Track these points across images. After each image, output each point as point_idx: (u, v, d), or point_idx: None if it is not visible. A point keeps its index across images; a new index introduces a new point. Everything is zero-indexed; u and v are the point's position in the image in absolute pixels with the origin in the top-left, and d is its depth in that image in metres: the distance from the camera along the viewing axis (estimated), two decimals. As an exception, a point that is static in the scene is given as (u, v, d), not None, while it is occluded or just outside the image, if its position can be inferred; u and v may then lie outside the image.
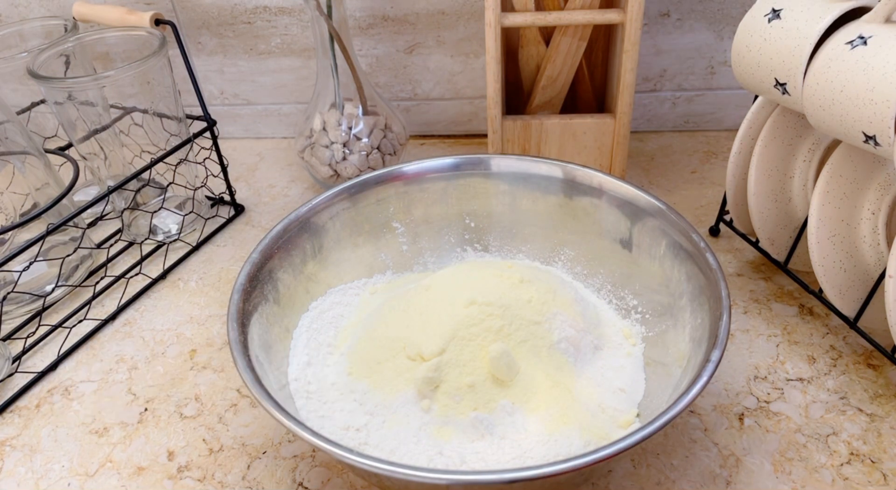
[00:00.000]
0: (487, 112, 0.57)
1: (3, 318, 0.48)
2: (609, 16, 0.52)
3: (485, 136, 0.60)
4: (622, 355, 0.43)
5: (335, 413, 0.39)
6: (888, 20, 0.37)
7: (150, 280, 0.56)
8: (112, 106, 0.57)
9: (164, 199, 0.58)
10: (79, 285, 0.55)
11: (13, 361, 0.49)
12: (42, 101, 0.62)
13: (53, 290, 0.54)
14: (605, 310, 0.47)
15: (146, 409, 0.45)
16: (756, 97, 0.48)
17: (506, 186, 0.51)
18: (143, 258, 0.58)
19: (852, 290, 0.44)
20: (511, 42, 0.60)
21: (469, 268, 0.47)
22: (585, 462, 0.30)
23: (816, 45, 0.39)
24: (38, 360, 0.50)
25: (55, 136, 0.64)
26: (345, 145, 0.60)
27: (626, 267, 0.47)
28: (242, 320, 0.39)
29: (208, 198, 0.65)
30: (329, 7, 0.55)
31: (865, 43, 0.36)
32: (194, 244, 0.60)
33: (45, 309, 0.52)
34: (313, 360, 0.43)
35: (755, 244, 0.52)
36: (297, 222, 0.46)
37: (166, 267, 0.57)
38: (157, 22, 0.55)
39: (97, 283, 0.55)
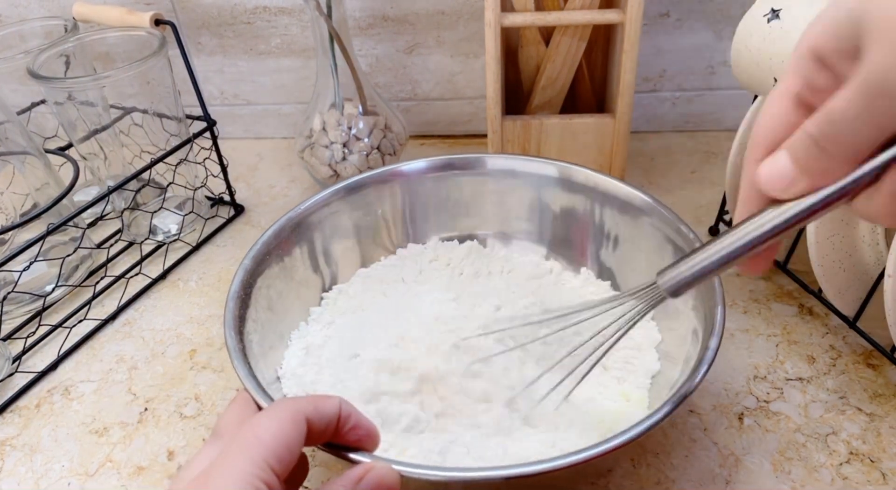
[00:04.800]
0: (487, 112, 0.57)
1: (3, 318, 0.48)
2: (609, 16, 0.52)
3: (485, 136, 0.60)
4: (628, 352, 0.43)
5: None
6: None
7: (150, 280, 0.56)
8: (112, 106, 0.57)
9: (164, 199, 0.58)
10: (79, 285, 0.55)
11: (13, 361, 0.49)
12: (42, 102, 0.62)
13: (53, 290, 0.54)
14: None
15: (146, 409, 0.45)
16: (756, 97, 0.48)
17: (505, 186, 0.51)
18: (143, 258, 0.58)
19: (851, 290, 0.44)
20: (511, 42, 0.60)
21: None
22: (582, 458, 0.30)
23: (816, 45, 0.39)
24: (38, 359, 0.50)
25: (55, 136, 0.64)
26: (345, 145, 0.60)
27: (624, 264, 0.48)
28: (240, 328, 0.39)
29: (208, 198, 0.65)
30: (329, 7, 0.55)
31: (864, 43, 0.36)
32: (194, 244, 0.60)
33: (45, 309, 0.52)
34: (313, 360, 0.43)
35: (755, 244, 0.52)
36: (290, 225, 0.46)
37: (166, 267, 0.57)
38: (157, 22, 0.55)
39: (97, 283, 0.55)
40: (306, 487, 0.39)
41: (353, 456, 0.30)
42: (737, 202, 0.27)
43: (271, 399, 0.34)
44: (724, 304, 0.36)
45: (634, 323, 0.32)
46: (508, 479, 0.30)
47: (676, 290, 0.30)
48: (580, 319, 0.35)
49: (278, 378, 0.42)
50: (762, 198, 0.26)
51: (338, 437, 0.30)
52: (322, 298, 0.48)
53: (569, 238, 0.50)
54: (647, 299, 0.31)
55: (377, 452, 0.36)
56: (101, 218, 0.61)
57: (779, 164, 0.25)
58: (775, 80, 0.42)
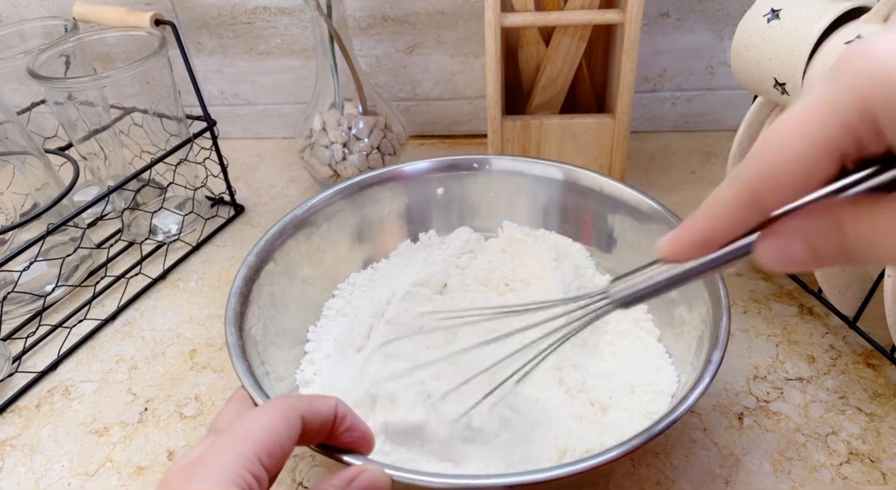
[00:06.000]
0: (487, 112, 0.57)
1: (3, 318, 0.48)
2: (609, 16, 0.52)
3: (485, 136, 0.60)
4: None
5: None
6: (887, 20, 0.37)
7: (150, 280, 0.56)
8: (112, 106, 0.57)
9: (164, 199, 0.58)
10: (79, 285, 0.55)
11: (13, 361, 0.49)
12: (42, 102, 0.62)
13: (53, 290, 0.54)
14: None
15: (146, 409, 0.45)
16: (755, 97, 0.48)
17: (505, 187, 0.51)
18: (143, 258, 0.58)
19: (851, 290, 0.44)
20: (511, 42, 0.60)
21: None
22: (584, 467, 0.30)
23: (816, 45, 0.39)
24: (39, 359, 0.50)
25: (55, 136, 0.64)
26: (344, 145, 0.60)
27: (624, 268, 0.48)
28: (241, 324, 0.39)
29: (208, 198, 0.65)
30: (329, 7, 0.55)
31: (864, 43, 0.36)
32: (194, 244, 0.60)
33: (45, 309, 0.52)
34: (322, 364, 0.43)
35: (755, 244, 0.52)
36: (294, 223, 0.46)
37: (166, 267, 0.57)
38: (157, 22, 0.55)
39: (97, 283, 0.55)
40: (305, 487, 0.39)
41: (345, 458, 0.30)
42: (715, 204, 0.22)
43: (267, 396, 0.34)
44: (730, 316, 0.36)
45: (575, 332, 0.30)
46: (512, 487, 0.30)
47: (627, 302, 0.27)
48: (534, 320, 0.33)
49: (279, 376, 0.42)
50: (753, 219, 0.22)
51: (332, 438, 0.30)
52: (334, 294, 0.48)
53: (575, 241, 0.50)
54: (595, 309, 0.29)
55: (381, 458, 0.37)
56: (101, 218, 0.61)
57: (794, 250, 0.21)
58: (775, 81, 0.42)
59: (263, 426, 0.26)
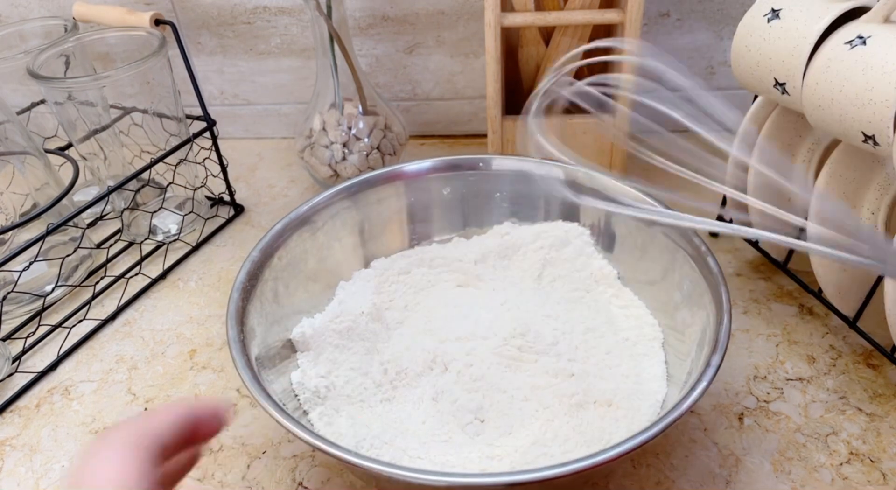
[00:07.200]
0: (487, 112, 0.57)
1: (3, 318, 0.48)
2: (609, 16, 0.52)
3: (485, 136, 0.60)
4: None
5: (346, 413, 0.40)
6: (887, 20, 0.37)
7: (149, 280, 0.56)
8: (112, 106, 0.57)
9: (163, 199, 0.58)
10: (79, 285, 0.55)
11: (13, 361, 0.49)
12: (42, 101, 0.62)
13: (53, 290, 0.54)
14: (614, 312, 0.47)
15: (146, 409, 0.45)
16: (756, 97, 0.48)
17: (505, 186, 0.51)
18: (143, 258, 0.58)
19: (852, 290, 0.44)
20: (511, 42, 0.60)
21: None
22: (584, 466, 0.30)
23: (816, 45, 0.39)
24: (38, 359, 0.50)
25: (55, 136, 0.64)
26: (344, 145, 0.60)
27: (627, 269, 0.48)
28: (242, 319, 0.39)
29: (208, 198, 0.65)
30: (329, 7, 0.55)
31: (865, 43, 0.36)
32: (194, 244, 0.60)
33: (45, 309, 0.52)
34: (324, 364, 0.43)
35: (755, 244, 0.52)
36: (298, 221, 0.46)
37: (166, 267, 0.57)
38: (157, 22, 0.55)
39: (97, 283, 0.55)
40: (305, 487, 0.39)
41: (349, 457, 0.30)
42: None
43: (266, 393, 0.34)
44: (731, 318, 0.36)
45: None
46: (511, 486, 0.30)
47: None
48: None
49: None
50: None
51: (198, 436, 0.28)
52: (335, 292, 0.48)
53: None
54: None
55: (384, 454, 0.37)
56: (100, 218, 0.61)
57: None
58: (776, 81, 0.42)
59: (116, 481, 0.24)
